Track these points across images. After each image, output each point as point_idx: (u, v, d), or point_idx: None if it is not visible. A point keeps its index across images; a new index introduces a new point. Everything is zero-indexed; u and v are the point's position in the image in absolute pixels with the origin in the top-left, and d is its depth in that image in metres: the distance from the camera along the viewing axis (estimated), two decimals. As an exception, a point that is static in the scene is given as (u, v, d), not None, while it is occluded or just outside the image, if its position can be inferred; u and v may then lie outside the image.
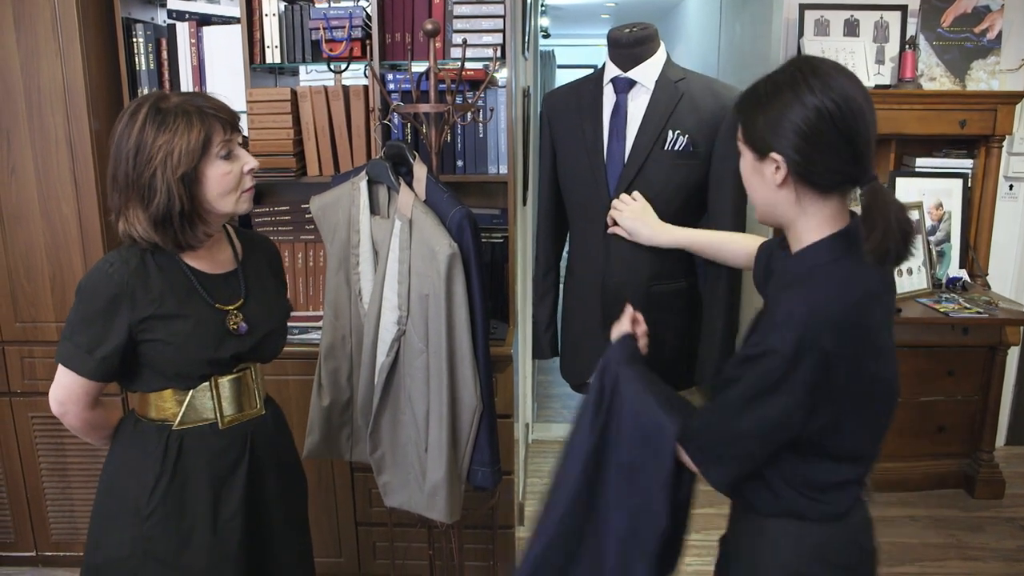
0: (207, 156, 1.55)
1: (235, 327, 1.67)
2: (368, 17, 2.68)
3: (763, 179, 1.36)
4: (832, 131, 1.27)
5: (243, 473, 1.70)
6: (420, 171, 2.09)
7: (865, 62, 3.34)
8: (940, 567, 3.08)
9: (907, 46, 3.37)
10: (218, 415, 1.68)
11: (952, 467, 3.67)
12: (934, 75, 3.45)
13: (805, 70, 1.29)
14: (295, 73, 3.18)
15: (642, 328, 1.65)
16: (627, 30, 1.89)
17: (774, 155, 1.31)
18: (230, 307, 1.68)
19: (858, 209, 1.30)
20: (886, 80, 3.46)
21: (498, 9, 2.59)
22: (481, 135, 2.71)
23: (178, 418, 1.65)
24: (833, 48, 3.34)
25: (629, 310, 1.67)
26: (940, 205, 3.50)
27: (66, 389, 1.61)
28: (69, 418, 1.64)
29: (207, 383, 1.66)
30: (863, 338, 1.27)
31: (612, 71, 1.90)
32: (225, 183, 1.59)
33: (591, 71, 2.10)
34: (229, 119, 1.60)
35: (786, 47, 3.60)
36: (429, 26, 2.10)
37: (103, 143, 2.75)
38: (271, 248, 1.87)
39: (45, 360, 2.84)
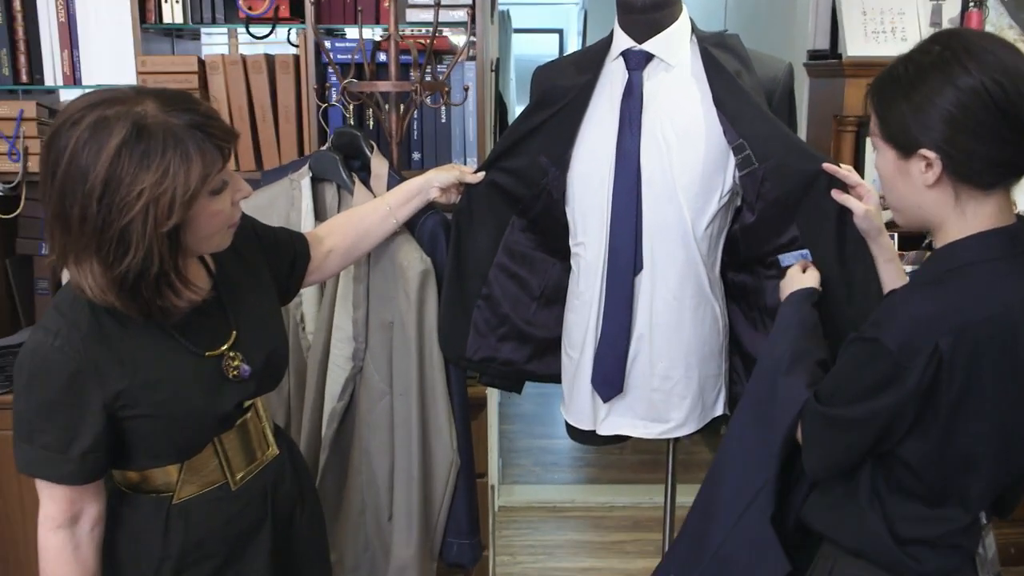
0: (200, 195, 1.47)
1: (235, 374, 1.66)
2: (298, -33, 2.75)
3: (909, 180, 1.47)
4: (995, 117, 1.37)
5: (268, 531, 1.76)
6: (380, 166, 2.17)
7: (918, 24, 3.48)
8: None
9: (971, 3, 3.50)
10: (228, 476, 1.70)
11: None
12: (1006, 38, 3.61)
13: (955, 46, 1.40)
14: (196, 37, 3.24)
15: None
16: (641, -10, 1.98)
17: (924, 152, 1.41)
18: (222, 349, 1.66)
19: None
20: (942, 48, 3.62)
21: (467, -41, 2.68)
22: (443, 120, 2.80)
23: (177, 490, 1.65)
24: (877, 8, 3.48)
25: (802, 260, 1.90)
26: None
27: (48, 505, 1.56)
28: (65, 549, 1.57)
29: (209, 445, 1.67)
30: (996, 354, 1.40)
31: (623, 42, 1.98)
32: (214, 224, 1.54)
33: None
34: (229, 141, 1.52)
35: (816, 7, 3.74)
36: (390, -17, 2.19)
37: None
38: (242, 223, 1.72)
39: None
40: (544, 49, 12.54)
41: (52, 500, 1.55)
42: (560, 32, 12.48)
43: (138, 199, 1.40)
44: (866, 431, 1.46)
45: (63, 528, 1.56)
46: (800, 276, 1.88)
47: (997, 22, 3.60)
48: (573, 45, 12.17)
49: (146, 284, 1.47)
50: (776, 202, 1.94)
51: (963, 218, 1.46)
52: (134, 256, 1.42)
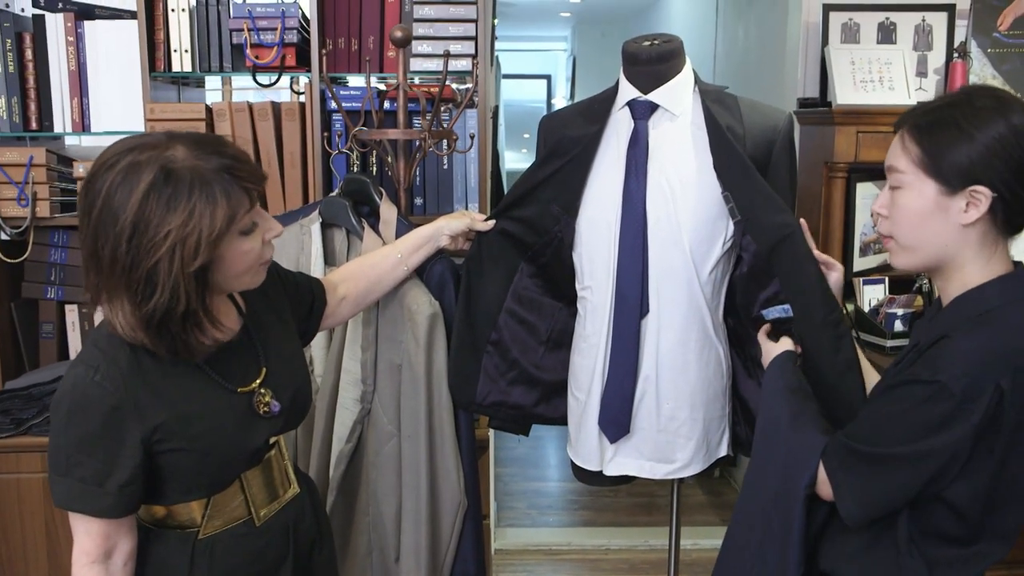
0: (227, 236, 1.52)
1: (266, 410, 1.71)
2: (304, 19, 2.80)
3: (945, 217, 1.52)
4: None
5: (288, 568, 1.79)
6: (389, 212, 2.21)
7: (904, 74, 3.56)
8: None
9: (956, 54, 3.59)
10: (253, 512, 1.73)
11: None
12: (987, 90, 3.70)
13: (1007, 97, 1.50)
14: (200, 84, 3.29)
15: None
16: (646, 43, 2.03)
17: (978, 188, 1.48)
18: (252, 385, 1.71)
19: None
20: (930, 95, 3.68)
21: (470, 11, 2.73)
22: (445, 166, 2.84)
23: (202, 525, 1.68)
24: (865, 58, 3.57)
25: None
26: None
27: (83, 540, 1.58)
28: None
29: (235, 481, 1.71)
30: None
31: (629, 92, 2.04)
32: (244, 262, 1.59)
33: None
34: (258, 183, 1.57)
35: (806, 57, 3.82)
36: (399, 33, 2.24)
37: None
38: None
39: None
40: (532, 95, 12.72)
41: (88, 535, 1.57)
42: (548, 78, 12.70)
43: (165, 240, 1.45)
44: (918, 470, 1.49)
45: (97, 563, 1.58)
46: (773, 344, 1.92)
47: (981, 72, 3.68)
48: (561, 90, 12.33)
49: (173, 322, 1.51)
50: (758, 254, 1.99)
51: (984, 261, 1.54)
52: (161, 295, 1.47)
